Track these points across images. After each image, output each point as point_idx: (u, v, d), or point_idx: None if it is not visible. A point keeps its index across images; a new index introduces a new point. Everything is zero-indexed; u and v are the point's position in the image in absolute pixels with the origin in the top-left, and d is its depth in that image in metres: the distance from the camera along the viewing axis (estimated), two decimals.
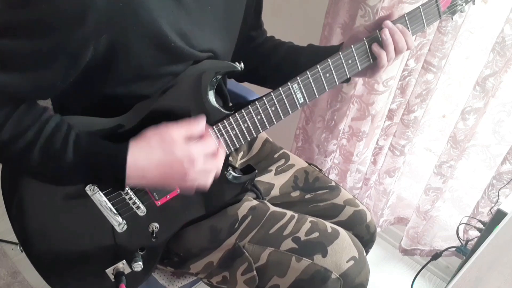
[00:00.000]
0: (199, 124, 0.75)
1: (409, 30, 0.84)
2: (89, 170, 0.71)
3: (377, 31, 0.83)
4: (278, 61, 0.98)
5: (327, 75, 0.82)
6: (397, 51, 0.84)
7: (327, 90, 0.84)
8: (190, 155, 0.73)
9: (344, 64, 0.83)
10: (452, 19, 0.90)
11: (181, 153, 0.72)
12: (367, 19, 1.24)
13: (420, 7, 0.83)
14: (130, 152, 0.71)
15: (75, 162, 0.69)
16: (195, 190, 0.77)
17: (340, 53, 0.82)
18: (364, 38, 0.83)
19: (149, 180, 0.73)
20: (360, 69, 0.85)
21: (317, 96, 0.84)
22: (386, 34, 0.82)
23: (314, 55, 0.89)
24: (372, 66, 0.86)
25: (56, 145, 0.68)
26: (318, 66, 0.81)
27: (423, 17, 0.84)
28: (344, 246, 0.86)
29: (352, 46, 0.82)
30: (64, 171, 0.69)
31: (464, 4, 0.87)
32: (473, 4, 0.89)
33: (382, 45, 0.83)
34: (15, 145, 0.66)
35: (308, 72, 0.81)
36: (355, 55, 0.83)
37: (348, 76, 0.85)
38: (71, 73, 0.67)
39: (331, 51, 0.88)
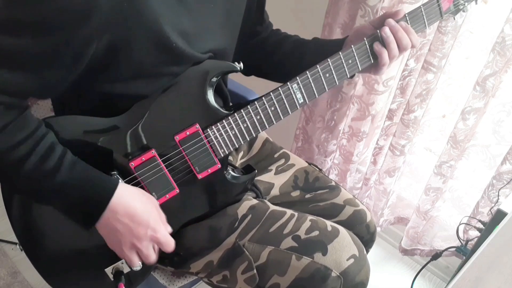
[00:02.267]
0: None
1: None
2: (75, 192, 0.70)
3: (378, 31, 0.83)
4: (282, 57, 0.97)
5: (327, 75, 0.82)
6: (401, 49, 0.84)
7: (327, 90, 0.84)
8: (156, 220, 0.76)
9: (344, 64, 0.83)
10: (454, 18, 0.89)
11: (155, 211, 0.77)
12: (367, 19, 1.24)
13: (422, 6, 0.83)
14: (120, 185, 0.72)
15: (64, 184, 0.69)
16: (134, 253, 0.77)
17: (340, 53, 0.82)
18: (365, 38, 0.83)
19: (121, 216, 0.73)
20: (360, 69, 0.85)
21: (316, 96, 0.84)
22: (386, 32, 0.82)
23: (320, 50, 0.89)
24: (374, 65, 0.86)
25: (50, 163, 0.68)
26: (318, 66, 0.81)
27: (424, 16, 0.84)
28: (344, 245, 0.86)
29: (352, 46, 0.82)
30: (48, 190, 0.69)
31: (466, 3, 0.87)
32: (476, 3, 0.89)
33: (383, 43, 0.83)
34: (8, 157, 0.65)
35: (307, 72, 0.81)
36: (356, 55, 0.83)
37: (348, 76, 0.85)
38: (72, 72, 0.68)
39: (336, 44, 0.89)
